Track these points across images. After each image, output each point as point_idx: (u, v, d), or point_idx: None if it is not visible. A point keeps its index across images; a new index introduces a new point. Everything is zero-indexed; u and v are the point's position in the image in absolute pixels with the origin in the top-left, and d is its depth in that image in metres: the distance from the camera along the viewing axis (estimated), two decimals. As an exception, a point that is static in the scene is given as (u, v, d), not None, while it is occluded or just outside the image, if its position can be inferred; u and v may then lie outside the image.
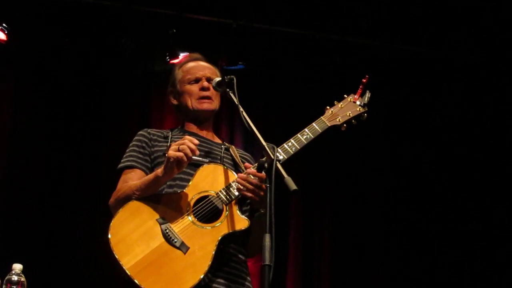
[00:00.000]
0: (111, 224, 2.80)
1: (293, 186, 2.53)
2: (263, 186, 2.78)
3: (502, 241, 6.04)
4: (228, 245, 2.91)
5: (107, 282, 5.18)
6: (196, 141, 2.83)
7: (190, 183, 2.93)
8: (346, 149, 6.03)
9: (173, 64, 5.71)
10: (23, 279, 2.70)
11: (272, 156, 2.59)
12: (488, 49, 6.03)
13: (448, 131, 6.26)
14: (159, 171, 2.87)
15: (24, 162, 5.60)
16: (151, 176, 2.91)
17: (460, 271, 6.02)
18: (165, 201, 2.89)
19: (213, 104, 3.18)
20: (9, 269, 2.72)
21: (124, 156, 3.12)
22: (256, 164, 2.83)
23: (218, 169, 2.99)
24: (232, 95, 2.89)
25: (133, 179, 3.00)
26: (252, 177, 2.84)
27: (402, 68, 6.19)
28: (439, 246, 6.05)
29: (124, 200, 2.90)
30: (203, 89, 3.16)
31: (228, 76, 2.97)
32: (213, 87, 3.07)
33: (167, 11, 5.80)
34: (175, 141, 3.01)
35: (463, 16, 5.73)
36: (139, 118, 5.91)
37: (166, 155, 2.82)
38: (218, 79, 3.04)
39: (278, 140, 2.86)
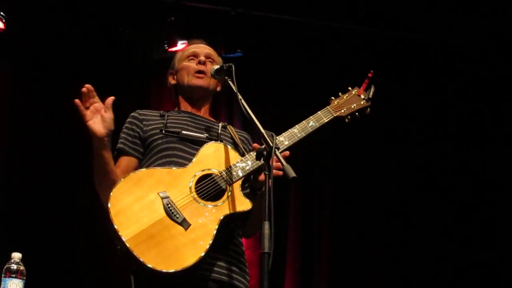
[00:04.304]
0: (111, 193, 2.76)
1: (292, 173, 2.53)
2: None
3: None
4: (228, 226, 2.90)
5: (106, 270, 5.22)
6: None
7: (193, 159, 2.92)
8: (346, 136, 6.02)
9: (172, 52, 5.72)
10: (22, 267, 2.69)
11: (271, 144, 2.59)
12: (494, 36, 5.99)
13: (453, 122, 6.22)
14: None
15: (23, 149, 5.59)
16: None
17: (457, 268, 6.01)
18: (168, 175, 2.87)
19: (206, 81, 3.18)
20: (8, 257, 2.72)
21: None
22: (255, 152, 2.82)
23: (222, 148, 2.98)
24: (230, 82, 2.89)
25: (117, 163, 3.06)
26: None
27: (400, 55, 6.16)
28: (438, 240, 6.06)
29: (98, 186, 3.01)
30: (199, 63, 3.18)
31: (227, 64, 2.97)
32: (212, 75, 3.07)
33: (165, -1, 5.79)
34: (172, 119, 3.08)
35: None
36: (137, 106, 5.87)
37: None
38: (217, 66, 3.04)
39: (276, 128, 2.85)
